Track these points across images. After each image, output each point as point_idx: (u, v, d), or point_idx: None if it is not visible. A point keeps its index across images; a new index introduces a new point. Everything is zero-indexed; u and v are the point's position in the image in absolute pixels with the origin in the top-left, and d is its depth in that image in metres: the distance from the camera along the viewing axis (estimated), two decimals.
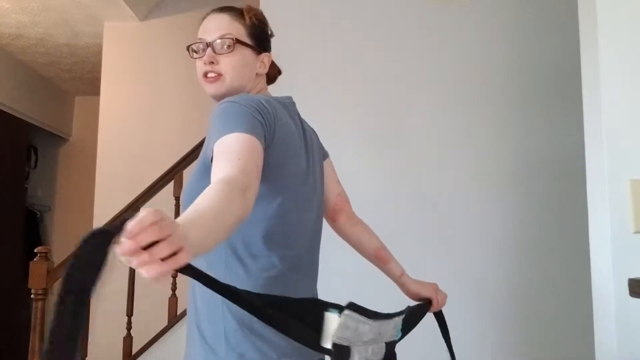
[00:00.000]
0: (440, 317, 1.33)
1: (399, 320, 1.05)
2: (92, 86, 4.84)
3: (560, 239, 2.19)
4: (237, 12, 1.12)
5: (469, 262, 2.21)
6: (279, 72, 1.25)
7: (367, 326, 0.93)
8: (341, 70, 2.36)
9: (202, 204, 0.71)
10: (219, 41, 1.07)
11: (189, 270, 0.69)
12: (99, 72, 3.73)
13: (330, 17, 2.40)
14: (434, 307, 1.29)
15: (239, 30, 1.09)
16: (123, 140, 3.48)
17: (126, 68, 3.57)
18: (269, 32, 1.18)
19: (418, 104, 2.32)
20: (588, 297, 1.85)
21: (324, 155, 1.27)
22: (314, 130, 1.24)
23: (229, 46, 1.07)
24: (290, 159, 1.03)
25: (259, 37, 1.13)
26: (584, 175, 1.36)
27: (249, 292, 0.83)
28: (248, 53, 1.10)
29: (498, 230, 2.22)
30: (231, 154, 0.87)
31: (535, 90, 2.28)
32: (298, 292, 1.00)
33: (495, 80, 2.31)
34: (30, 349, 2.21)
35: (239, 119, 0.92)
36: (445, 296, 1.33)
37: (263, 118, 0.96)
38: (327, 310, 0.88)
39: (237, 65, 1.08)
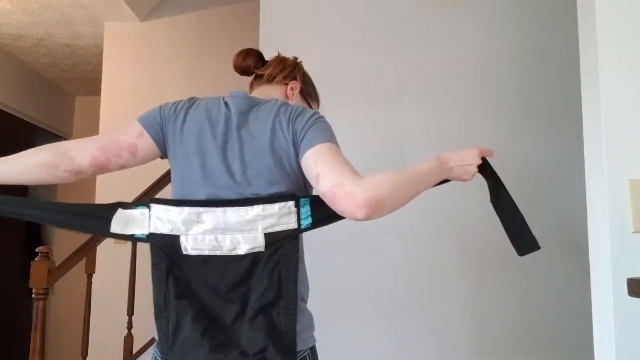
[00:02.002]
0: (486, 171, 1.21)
1: (284, 206, 1.09)
2: (92, 86, 4.85)
3: (559, 238, 2.19)
4: None
5: (467, 263, 2.21)
6: (237, 63, 1.33)
7: (181, 214, 1.08)
8: (339, 70, 2.36)
9: None
10: None
11: None
12: (99, 72, 3.73)
13: (329, 16, 2.40)
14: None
15: None
16: None
17: (127, 68, 3.57)
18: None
19: (415, 104, 2.32)
20: (587, 297, 1.85)
21: (297, 146, 1.12)
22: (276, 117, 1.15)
23: None
24: (178, 145, 1.19)
25: None
26: (583, 175, 1.37)
27: (45, 202, 1.16)
28: None
29: (496, 229, 2.22)
30: None
31: (534, 90, 2.29)
32: None
33: (494, 81, 2.31)
34: (31, 349, 2.21)
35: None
36: (472, 152, 1.24)
37: (159, 115, 1.20)
38: (130, 208, 1.11)
39: None
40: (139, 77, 3.56)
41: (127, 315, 2.59)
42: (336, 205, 1.03)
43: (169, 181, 2.69)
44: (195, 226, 1.07)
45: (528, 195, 2.24)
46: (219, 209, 1.08)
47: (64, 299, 4.77)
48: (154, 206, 1.10)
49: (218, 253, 1.07)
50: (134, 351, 2.58)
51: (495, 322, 2.18)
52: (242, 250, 1.07)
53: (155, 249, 1.09)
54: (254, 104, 1.19)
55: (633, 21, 1.26)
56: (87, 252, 2.45)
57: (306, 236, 1.15)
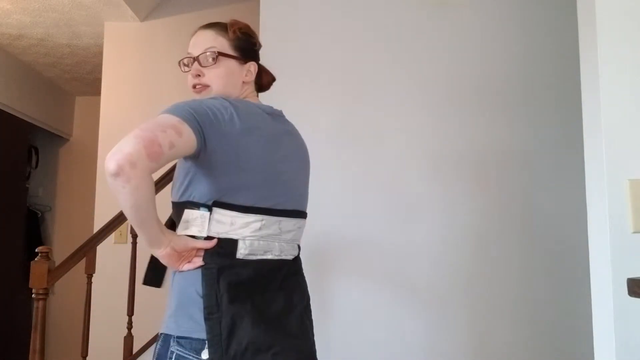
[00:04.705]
0: None
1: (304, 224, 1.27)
2: (92, 86, 4.85)
3: (559, 239, 2.19)
4: (222, 27, 1.23)
5: (463, 263, 2.21)
6: (272, 80, 1.34)
7: (245, 220, 1.10)
8: (340, 70, 2.36)
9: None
10: (203, 55, 1.19)
11: None
12: (99, 72, 3.73)
13: (329, 16, 2.40)
14: None
15: (222, 44, 1.20)
16: None
17: (126, 68, 3.57)
18: (255, 43, 1.28)
19: (414, 103, 2.32)
20: (587, 297, 1.85)
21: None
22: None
23: (213, 59, 1.18)
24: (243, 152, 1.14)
25: (244, 48, 1.24)
26: (582, 176, 1.37)
27: None
28: (232, 64, 1.21)
29: (496, 230, 2.23)
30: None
31: (534, 90, 2.29)
32: None
33: (493, 81, 2.31)
34: (31, 349, 2.22)
35: (179, 108, 1.04)
36: None
37: (211, 116, 1.05)
38: (193, 208, 1.11)
39: (221, 75, 1.19)
40: (139, 77, 3.56)
41: (127, 315, 2.59)
42: None
43: (167, 182, 2.69)
44: (253, 232, 1.12)
45: (528, 195, 2.24)
46: (275, 218, 1.16)
47: (64, 299, 4.77)
48: (216, 209, 1.11)
49: (269, 257, 1.14)
50: (134, 351, 2.58)
51: (492, 323, 2.17)
52: (286, 256, 1.18)
53: (207, 250, 1.11)
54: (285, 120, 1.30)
55: (633, 21, 1.26)
56: (87, 252, 2.45)
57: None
